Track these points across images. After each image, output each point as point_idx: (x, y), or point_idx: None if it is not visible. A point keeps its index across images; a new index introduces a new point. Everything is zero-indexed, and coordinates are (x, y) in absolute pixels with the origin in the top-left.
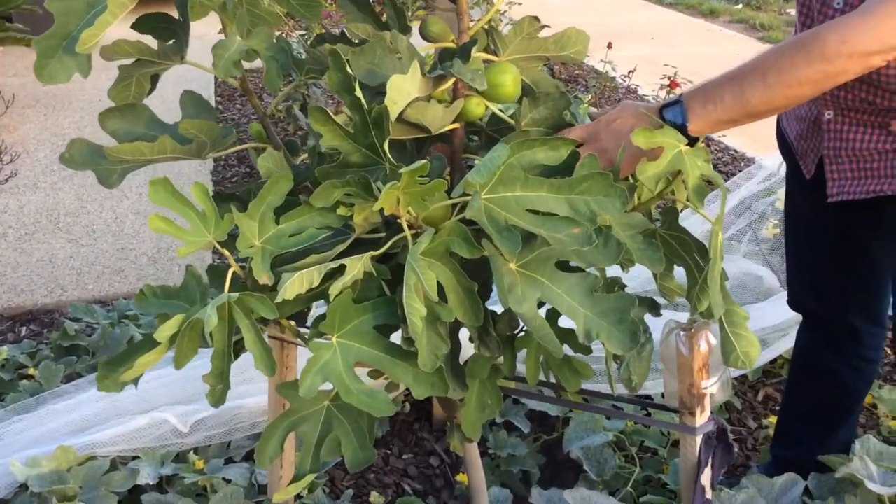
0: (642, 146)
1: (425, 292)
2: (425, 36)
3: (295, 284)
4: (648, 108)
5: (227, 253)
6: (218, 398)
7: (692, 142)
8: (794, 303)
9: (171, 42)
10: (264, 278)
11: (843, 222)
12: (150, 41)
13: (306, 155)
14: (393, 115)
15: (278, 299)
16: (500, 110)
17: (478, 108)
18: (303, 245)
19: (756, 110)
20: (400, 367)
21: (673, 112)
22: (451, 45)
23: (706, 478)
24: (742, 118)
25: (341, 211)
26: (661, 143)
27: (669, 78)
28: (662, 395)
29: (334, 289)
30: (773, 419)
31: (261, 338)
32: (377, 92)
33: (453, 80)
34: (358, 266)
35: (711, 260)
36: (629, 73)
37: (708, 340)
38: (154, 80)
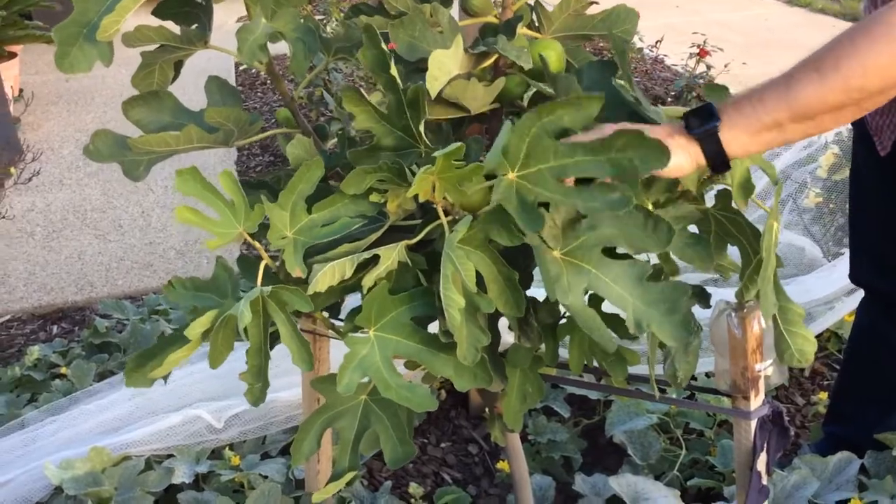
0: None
1: (464, 283)
2: (467, 9)
3: (326, 276)
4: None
5: (258, 245)
6: (257, 396)
7: (722, 163)
8: (856, 278)
9: (193, 27)
10: (297, 271)
11: None
12: (173, 27)
13: (336, 140)
14: (433, 93)
15: (309, 292)
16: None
17: (518, 87)
18: (336, 235)
19: (806, 109)
20: (440, 359)
21: (700, 116)
22: (494, 20)
23: (762, 463)
24: (787, 121)
25: (374, 198)
26: None
27: (699, 46)
28: (707, 375)
29: (367, 280)
30: (822, 395)
31: (297, 332)
32: (416, 67)
33: (494, 56)
34: (392, 256)
35: (765, 259)
36: (656, 42)
37: (761, 321)
38: (178, 66)
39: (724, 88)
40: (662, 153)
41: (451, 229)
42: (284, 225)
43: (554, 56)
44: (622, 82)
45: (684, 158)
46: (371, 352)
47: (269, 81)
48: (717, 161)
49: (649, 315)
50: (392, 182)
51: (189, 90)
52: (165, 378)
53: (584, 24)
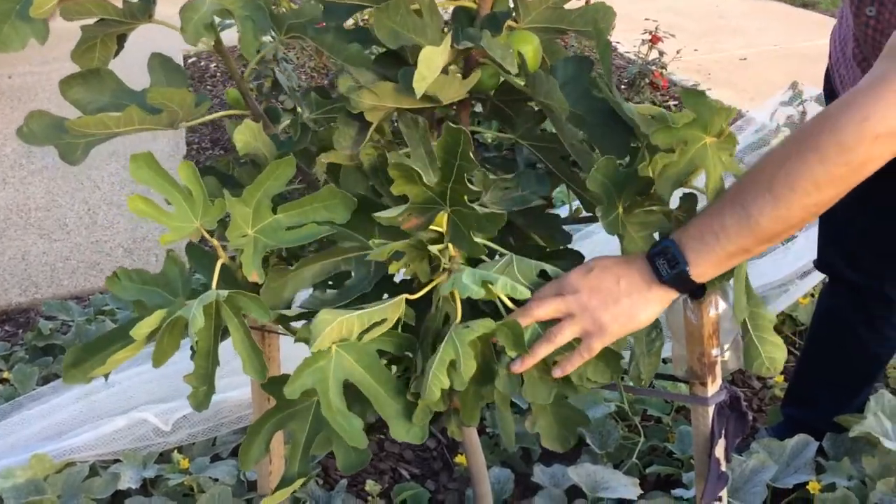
0: (662, 145)
1: (457, 374)
2: None
3: (333, 332)
4: (627, 258)
5: (215, 243)
6: (201, 401)
7: (698, 291)
8: (822, 265)
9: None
10: (254, 275)
11: (886, 190)
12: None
13: (287, 123)
14: (420, 92)
15: (313, 349)
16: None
17: (492, 78)
18: (301, 241)
19: (770, 233)
20: (386, 402)
21: (665, 257)
22: (471, 4)
23: (720, 450)
24: (754, 246)
25: (393, 267)
26: (684, 137)
27: (651, 33)
28: (664, 361)
29: (368, 337)
30: (778, 379)
31: (251, 339)
32: (390, 51)
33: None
34: (396, 315)
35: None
36: None
37: (717, 305)
38: (121, 40)
39: (701, 94)
40: (613, 375)
41: (463, 318)
42: (246, 222)
43: (531, 51)
44: (601, 72)
45: (659, 307)
46: (327, 366)
47: (219, 74)
48: (693, 294)
49: (549, 425)
50: (414, 252)
51: (136, 74)
52: (107, 377)
53: (562, 17)
